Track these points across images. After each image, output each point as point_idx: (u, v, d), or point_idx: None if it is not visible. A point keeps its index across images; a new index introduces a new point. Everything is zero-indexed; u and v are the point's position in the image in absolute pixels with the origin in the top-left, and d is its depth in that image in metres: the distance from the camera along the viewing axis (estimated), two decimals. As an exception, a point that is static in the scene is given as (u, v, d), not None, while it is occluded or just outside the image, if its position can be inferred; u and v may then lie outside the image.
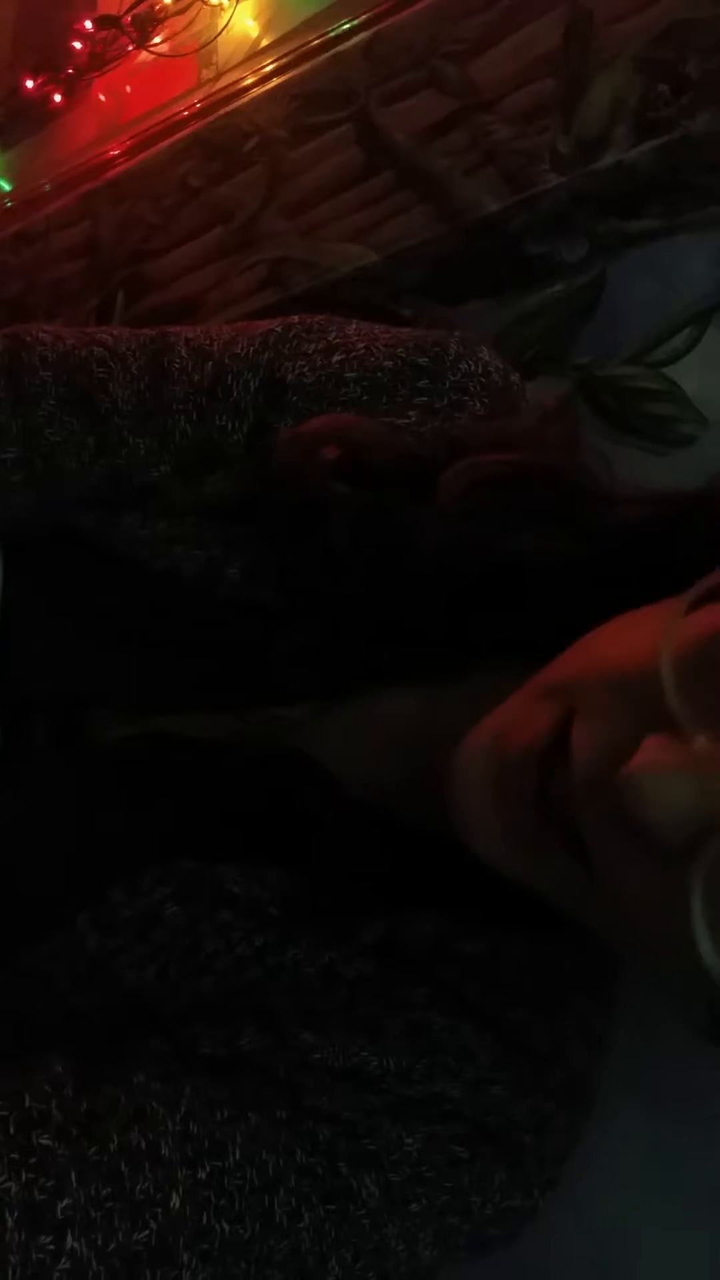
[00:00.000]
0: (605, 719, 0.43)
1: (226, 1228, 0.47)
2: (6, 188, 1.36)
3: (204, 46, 1.18)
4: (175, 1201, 0.47)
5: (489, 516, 0.55)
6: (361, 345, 0.62)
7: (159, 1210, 0.47)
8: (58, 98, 1.32)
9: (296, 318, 0.64)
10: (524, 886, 0.49)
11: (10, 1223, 0.45)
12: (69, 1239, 0.45)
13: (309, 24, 1.10)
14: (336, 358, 0.61)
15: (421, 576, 0.57)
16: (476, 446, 0.58)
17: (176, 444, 0.63)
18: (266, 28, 1.16)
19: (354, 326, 0.64)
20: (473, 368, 0.62)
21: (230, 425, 0.62)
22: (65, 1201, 0.46)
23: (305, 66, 1.03)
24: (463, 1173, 0.52)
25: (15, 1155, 0.46)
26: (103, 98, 1.31)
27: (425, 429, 0.60)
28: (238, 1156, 0.49)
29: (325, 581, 0.59)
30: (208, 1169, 0.48)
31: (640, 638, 0.44)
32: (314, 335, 0.63)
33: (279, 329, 0.63)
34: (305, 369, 0.61)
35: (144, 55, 1.25)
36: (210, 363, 0.63)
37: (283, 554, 0.61)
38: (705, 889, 0.39)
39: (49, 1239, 0.45)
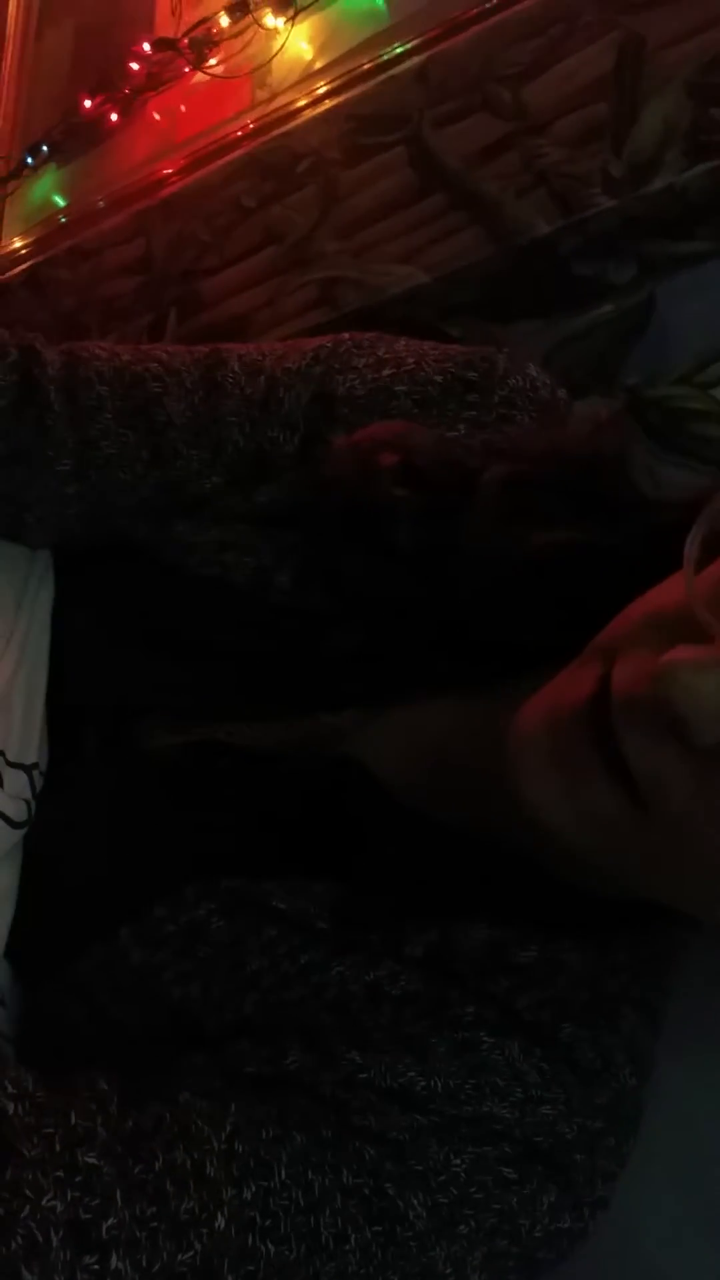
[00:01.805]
0: (640, 649, 0.44)
1: (272, 1249, 0.47)
2: (62, 203, 1.39)
3: (258, 68, 1.20)
4: (220, 1222, 0.47)
5: (526, 515, 0.56)
6: (411, 360, 0.63)
7: (204, 1230, 0.47)
8: (114, 117, 1.34)
9: (347, 334, 0.65)
10: (582, 864, 0.49)
11: (56, 1241, 0.45)
12: (114, 1259, 0.45)
13: (363, 47, 1.11)
14: (387, 371, 0.62)
15: (470, 579, 0.57)
16: (525, 454, 0.58)
17: (229, 455, 0.64)
18: (320, 51, 1.17)
19: (403, 343, 0.65)
20: (520, 383, 0.63)
21: (282, 437, 0.63)
22: (110, 1221, 0.46)
23: (359, 89, 1.04)
24: (512, 1194, 0.51)
25: (61, 1173, 0.46)
26: (158, 117, 1.33)
27: (474, 441, 0.61)
28: (283, 1176, 0.48)
29: (377, 586, 0.60)
30: (253, 1189, 0.48)
31: (670, 584, 0.46)
32: (364, 350, 0.64)
33: (329, 344, 0.64)
34: (356, 382, 0.62)
35: (199, 76, 1.27)
36: (262, 376, 0.64)
37: (335, 559, 0.61)
38: None
39: (94, 1259, 0.45)
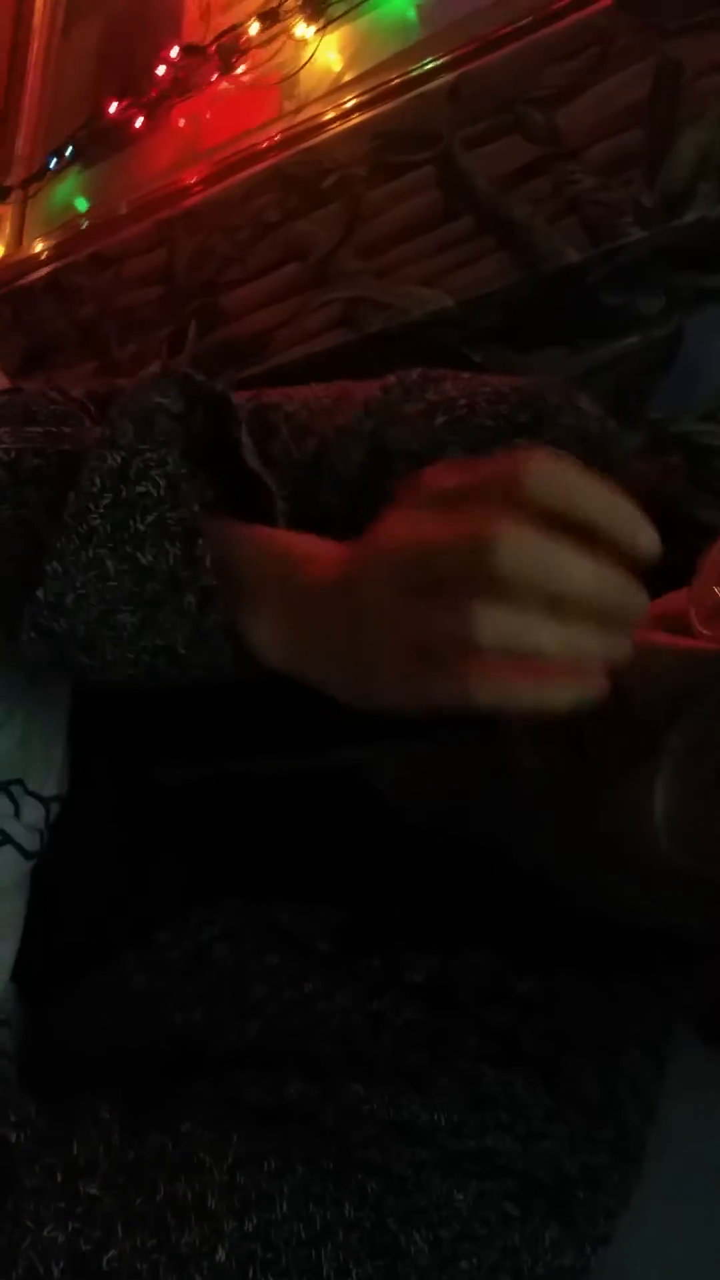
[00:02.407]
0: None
1: None
2: (84, 207, 1.38)
3: (287, 78, 1.19)
4: (221, 1255, 0.47)
5: None
6: (463, 403, 0.61)
7: (205, 1263, 0.47)
8: (139, 121, 1.34)
9: (394, 378, 0.64)
10: (593, 886, 0.50)
11: (56, 1273, 0.45)
12: None
13: (393, 60, 1.10)
14: (439, 420, 0.61)
15: None
16: None
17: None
18: (350, 62, 1.16)
19: (450, 383, 0.64)
20: (572, 420, 0.62)
21: (334, 499, 0.62)
22: (111, 1253, 0.46)
23: (389, 105, 1.03)
24: (514, 1230, 0.50)
25: (63, 1204, 0.46)
26: (183, 123, 1.32)
27: None
28: (285, 1209, 0.48)
29: None
30: (255, 1221, 0.48)
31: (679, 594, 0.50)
32: (414, 396, 0.62)
33: (379, 394, 0.63)
34: (409, 435, 0.61)
35: (226, 84, 1.26)
36: (312, 438, 0.63)
37: None
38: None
39: None
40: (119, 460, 0.49)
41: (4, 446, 0.53)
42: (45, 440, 0.54)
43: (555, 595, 0.40)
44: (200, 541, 0.49)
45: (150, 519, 0.49)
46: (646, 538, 0.41)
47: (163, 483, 0.50)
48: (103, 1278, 0.45)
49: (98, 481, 0.49)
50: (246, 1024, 0.54)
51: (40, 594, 0.48)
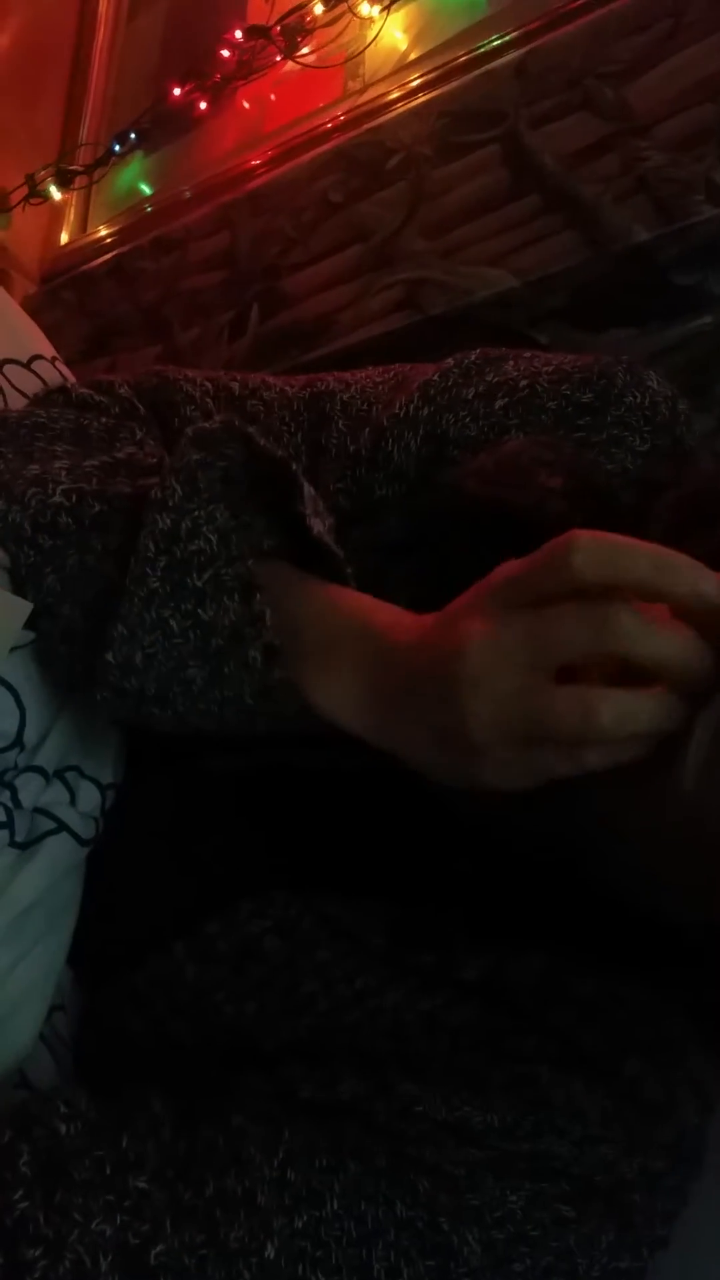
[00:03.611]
0: None
1: None
2: (148, 192, 1.38)
3: (351, 58, 1.18)
4: (270, 1251, 0.46)
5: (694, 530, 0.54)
6: (524, 384, 0.60)
7: (253, 1260, 0.46)
8: (203, 104, 1.33)
9: (452, 360, 0.62)
10: (654, 882, 0.49)
11: (105, 1266, 0.44)
12: None
13: (460, 38, 1.09)
14: (499, 403, 0.60)
15: None
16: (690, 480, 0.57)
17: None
18: (416, 41, 1.15)
19: (512, 363, 0.62)
20: (638, 399, 0.59)
21: (389, 491, 0.61)
22: (159, 1247, 0.45)
23: (454, 83, 1.02)
24: (569, 1233, 0.50)
25: (111, 1197, 0.46)
26: (246, 105, 1.32)
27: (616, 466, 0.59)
28: (336, 1207, 0.48)
29: None
30: (304, 1218, 0.47)
31: None
32: (472, 379, 0.61)
33: (436, 379, 0.61)
34: (468, 419, 0.60)
35: (290, 65, 1.25)
36: (368, 429, 0.62)
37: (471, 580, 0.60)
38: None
39: None
40: (169, 522, 0.50)
41: (64, 488, 0.53)
42: (102, 477, 0.55)
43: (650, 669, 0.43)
44: (258, 596, 0.49)
45: (206, 575, 0.50)
46: (710, 586, 0.42)
47: (214, 538, 0.50)
48: (150, 1272, 0.45)
49: (151, 546, 0.50)
50: (298, 1019, 0.54)
51: (110, 657, 0.50)
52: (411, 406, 0.61)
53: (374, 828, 0.57)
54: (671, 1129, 0.53)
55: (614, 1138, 0.51)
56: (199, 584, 0.50)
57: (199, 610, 0.49)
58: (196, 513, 0.51)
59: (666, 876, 0.50)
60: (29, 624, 0.53)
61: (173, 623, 0.50)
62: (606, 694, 0.43)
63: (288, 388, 0.66)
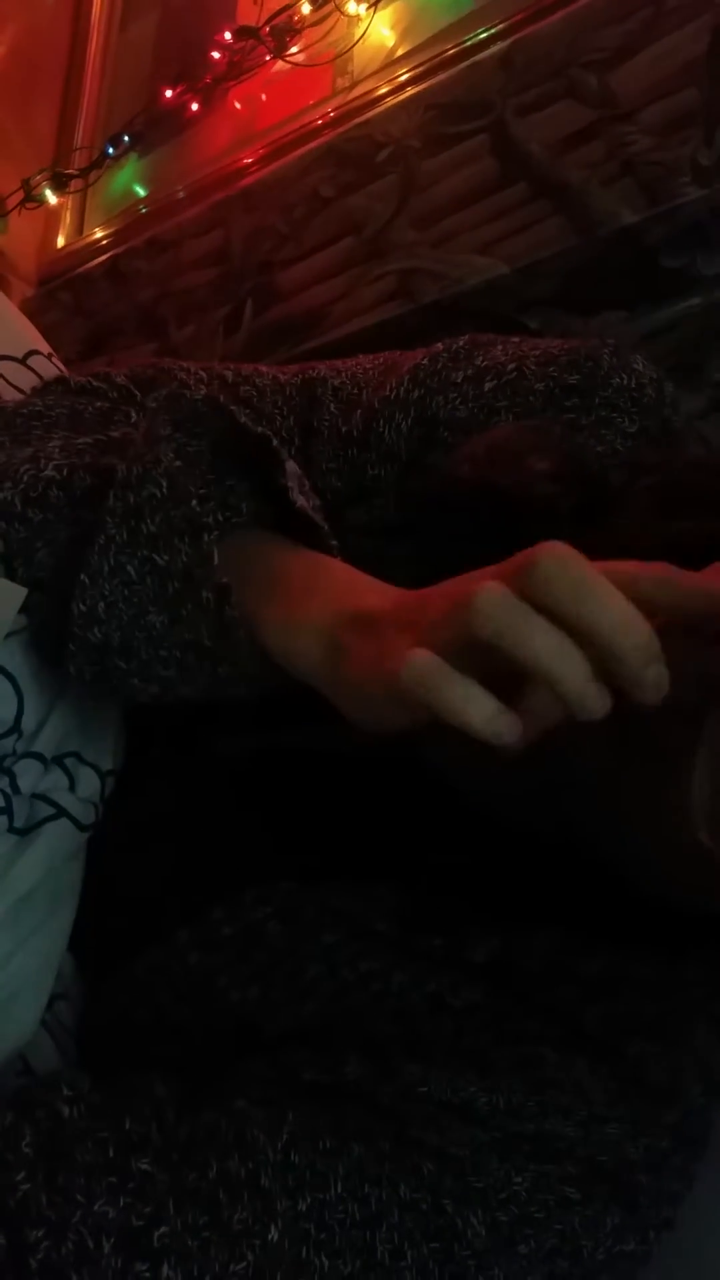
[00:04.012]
0: None
1: (326, 1263, 0.46)
2: (142, 193, 1.39)
3: (340, 56, 1.19)
4: (273, 1234, 0.46)
5: (673, 513, 0.54)
6: (512, 367, 0.60)
7: (256, 1242, 0.46)
8: (195, 106, 1.34)
9: (440, 345, 0.63)
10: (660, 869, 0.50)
11: (107, 1248, 0.44)
12: (164, 1268, 0.44)
13: (446, 32, 1.09)
14: (488, 385, 0.60)
15: None
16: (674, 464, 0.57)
17: (324, 499, 0.63)
18: (403, 36, 1.16)
19: (500, 347, 0.63)
20: (625, 382, 0.60)
21: (382, 471, 0.62)
22: (162, 1229, 0.45)
23: (441, 76, 1.02)
24: (574, 1214, 0.49)
25: (114, 1179, 0.46)
26: (238, 105, 1.33)
27: (605, 448, 0.59)
28: (339, 1189, 0.48)
29: None
30: (308, 1201, 0.47)
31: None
32: (461, 363, 0.61)
33: (425, 362, 0.62)
34: (457, 401, 0.60)
35: (280, 64, 1.26)
36: (359, 411, 0.62)
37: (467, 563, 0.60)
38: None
39: (144, 1267, 0.44)
40: (124, 470, 0.51)
41: (55, 463, 0.54)
42: (94, 452, 0.55)
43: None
44: (206, 536, 0.50)
45: (158, 519, 0.50)
46: (655, 674, 0.41)
47: (164, 482, 0.51)
48: (153, 1254, 0.44)
49: (111, 495, 0.51)
50: (303, 1003, 0.54)
51: (74, 607, 0.50)
52: (402, 389, 0.61)
53: (379, 812, 0.57)
54: (677, 1110, 0.53)
55: (619, 1118, 0.51)
56: (152, 528, 0.50)
57: (154, 556, 0.50)
58: (147, 458, 0.51)
59: (675, 875, 0.50)
60: (23, 610, 0.54)
61: (130, 568, 0.50)
62: (417, 654, 0.42)
63: (280, 375, 0.67)
